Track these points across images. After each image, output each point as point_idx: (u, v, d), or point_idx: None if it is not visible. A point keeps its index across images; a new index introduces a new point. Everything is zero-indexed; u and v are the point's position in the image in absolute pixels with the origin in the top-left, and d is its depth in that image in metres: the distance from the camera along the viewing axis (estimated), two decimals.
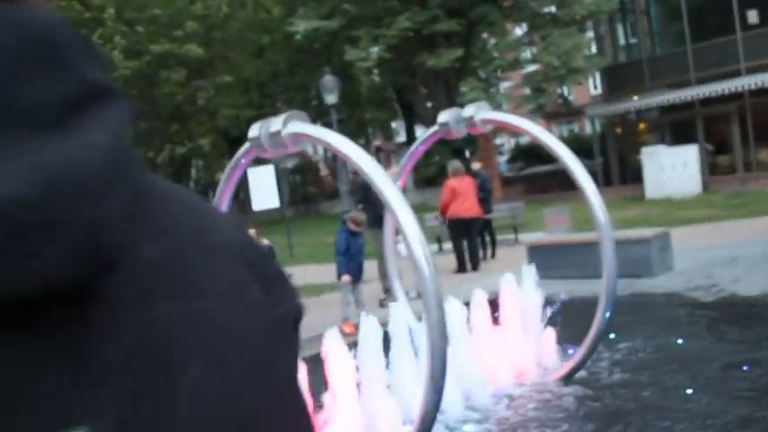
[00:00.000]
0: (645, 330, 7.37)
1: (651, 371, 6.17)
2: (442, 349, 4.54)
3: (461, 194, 11.98)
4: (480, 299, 6.56)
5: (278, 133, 5.05)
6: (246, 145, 5.40)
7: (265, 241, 11.98)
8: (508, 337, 6.61)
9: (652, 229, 11.00)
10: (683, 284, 9.26)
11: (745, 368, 5.87)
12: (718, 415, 5.08)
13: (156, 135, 23.89)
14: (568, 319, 7.13)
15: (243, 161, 5.61)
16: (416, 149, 7.66)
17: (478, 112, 6.87)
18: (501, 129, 30.51)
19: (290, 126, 5.05)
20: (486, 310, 6.53)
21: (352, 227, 9.26)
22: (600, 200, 6.09)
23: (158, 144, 23.60)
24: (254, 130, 5.24)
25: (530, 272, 7.02)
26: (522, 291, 6.89)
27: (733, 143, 24.90)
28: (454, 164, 12.80)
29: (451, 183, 12.18)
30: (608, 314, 5.89)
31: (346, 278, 9.13)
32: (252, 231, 11.96)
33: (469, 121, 6.87)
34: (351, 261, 9.22)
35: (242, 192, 28.01)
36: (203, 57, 22.53)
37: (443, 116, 6.98)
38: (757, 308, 7.79)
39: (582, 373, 6.24)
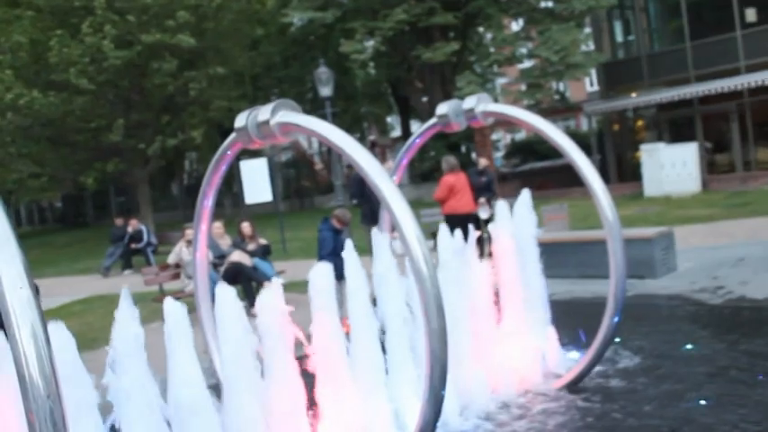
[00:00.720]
0: (652, 335, 7.04)
1: (661, 379, 5.84)
2: (443, 358, 4.20)
3: (459, 191, 11.65)
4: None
5: (266, 123, 4.71)
6: (233, 135, 5.05)
7: (262, 240, 11.58)
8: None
9: (655, 229, 10.67)
10: (688, 286, 8.94)
11: (760, 377, 5.55)
12: (731, 429, 4.76)
13: (147, 126, 23.43)
14: (568, 321, 6.80)
15: (229, 152, 5.26)
16: (413, 142, 7.32)
17: (479, 104, 6.54)
18: (497, 124, 30.19)
19: (279, 116, 4.70)
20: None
21: (337, 225, 8.87)
22: (608, 197, 5.73)
23: (150, 135, 23.15)
24: (240, 120, 4.89)
25: (525, 198, 6.69)
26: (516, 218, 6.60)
27: (732, 142, 24.62)
28: (450, 160, 12.45)
29: (449, 179, 11.83)
30: (616, 319, 5.56)
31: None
32: (246, 224, 11.59)
33: (470, 113, 6.55)
34: (336, 259, 8.83)
35: (235, 184, 27.67)
36: (195, 47, 22.07)
37: (442, 108, 6.65)
38: None
39: (586, 380, 5.92)
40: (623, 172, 27.02)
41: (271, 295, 4.78)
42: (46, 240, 33.24)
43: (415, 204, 14.07)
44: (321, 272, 5.04)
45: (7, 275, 2.84)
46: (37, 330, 2.79)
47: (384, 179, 4.26)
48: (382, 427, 5.05)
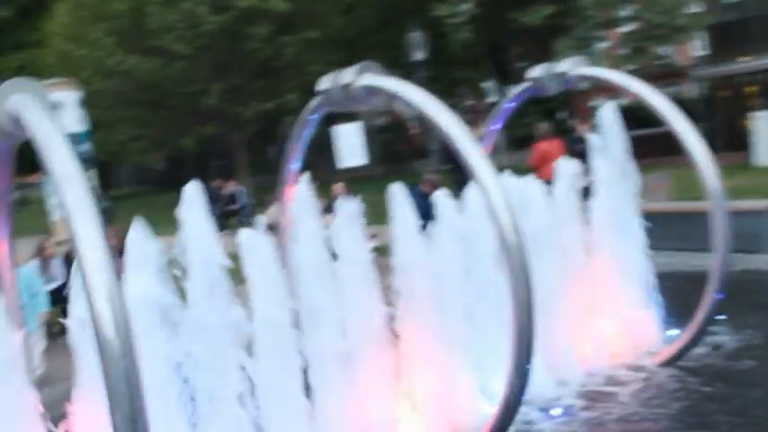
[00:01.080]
0: (758, 313, 6.62)
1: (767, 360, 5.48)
2: (529, 331, 4.03)
3: (553, 158, 11.30)
4: None
5: (350, 85, 4.59)
6: (317, 98, 4.97)
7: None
8: None
9: (765, 201, 10.06)
10: None
11: None
12: None
13: (243, 90, 23.72)
14: (668, 295, 6.45)
15: (313, 116, 5.18)
16: (506, 107, 7.09)
17: (574, 68, 6.26)
18: (597, 90, 29.23)
19: (364, 78, 4.57)
20: None
21: (427, 189, 8.76)
22: (712, 167, 5.39)
23: (246, 100, 23.45)
24: (324, 83, 4.80)
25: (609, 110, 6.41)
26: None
27: None
28: (543, 126, 12.27)
29: (542, 146, 11.56)
30: (719, 295, 5.23)
31: None
32: (339, 186, 11.52)
33: (563, 76, 6.28)
34: (425, 224, 8.76)
35: (330, 148, 27.79)
36: (288, 12, 22.12)
37: (536, 71, 6.43)
38: None
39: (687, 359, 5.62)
40: (733, 140, 25.68)
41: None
42: (147, 201, 34.31)
43: (512, 171, 13.76)
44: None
45: (84, 238, 2.83)
46: (112, 291, 2.77)
47: (469, 144, 4.07)
48: (468, 397, 4.93)
